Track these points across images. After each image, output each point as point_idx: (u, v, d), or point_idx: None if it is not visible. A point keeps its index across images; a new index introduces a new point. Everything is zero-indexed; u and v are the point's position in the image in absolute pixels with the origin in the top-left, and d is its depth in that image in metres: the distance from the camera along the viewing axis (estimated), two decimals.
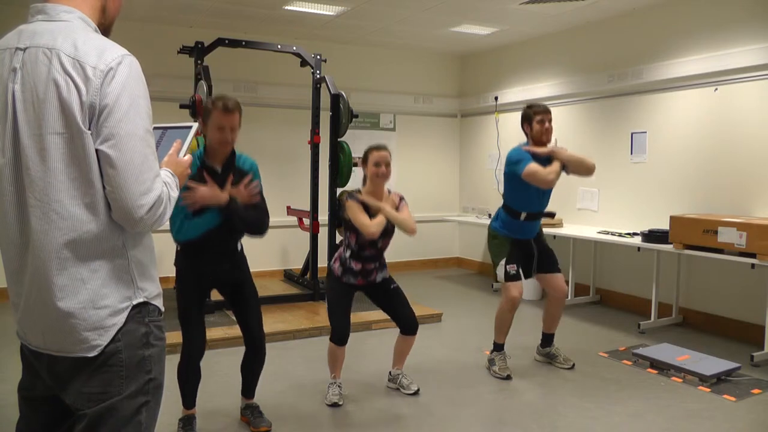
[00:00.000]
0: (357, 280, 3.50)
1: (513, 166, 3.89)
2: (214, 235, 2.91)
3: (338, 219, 3.58)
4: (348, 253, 3.50)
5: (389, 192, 3.55)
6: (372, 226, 3.33)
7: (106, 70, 1.38)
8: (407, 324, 3.59)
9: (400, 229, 3.45)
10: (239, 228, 2.96)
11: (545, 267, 4.11)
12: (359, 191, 3.51)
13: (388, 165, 3.44)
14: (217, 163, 2.93)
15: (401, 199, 3.56)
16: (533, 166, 3.80)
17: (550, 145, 3.99)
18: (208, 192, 2.80)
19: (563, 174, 3.94)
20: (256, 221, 2.96)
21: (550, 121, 4.01)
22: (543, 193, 4.00)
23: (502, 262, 3.98)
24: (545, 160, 3.90)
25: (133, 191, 1.39)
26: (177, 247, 3.07)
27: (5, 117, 1.41)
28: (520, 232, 4.03)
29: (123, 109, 1.39)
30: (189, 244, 2.96)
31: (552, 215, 4.23)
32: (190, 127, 1.72)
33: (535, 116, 4.00)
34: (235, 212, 2.85)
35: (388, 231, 3.46)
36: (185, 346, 3.02)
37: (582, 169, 3.97)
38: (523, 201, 3.98)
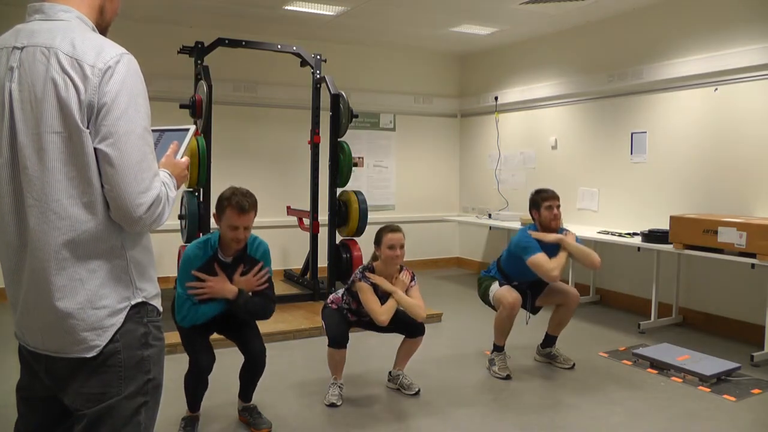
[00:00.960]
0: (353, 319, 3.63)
1: (520, 251, 3.89)
2: (218, 316, 2.99)
3: (347, 291, 3.62)
4: (346, 307, 3.58)
5: (401, 269, 3.56)
6: (382, 314, 3.36)
7: (105, 68, 1.38)
8: (413, 328, 3.60)
9: (409, 314, 3.48)
10: (242, 317, 3.02)
11: (539, 287, 4.10)
12: (372, 269, 3.52)
13: (402, 247, 3.46)
14: (228, 255, 2.96)
15: (412, 278, 3.56)
16: (539, 259, 3.79)
17: (560, 236, 3.94)
18: (217, 285, 2.85)
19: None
20: (261, 311, 3.01)
21: (558, 207, 3.97)
22: None
23: (495, 283, 4.01)
24: (552, 247, 3.89)
25: (131, 190, 1.39)
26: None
27: (2, 116, 1.40)
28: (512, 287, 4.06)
29: (121, 108, 1.38)
30: None
31: (544, 285, 4.16)
32: (188, 130, 1.72)
33: (543, 202, 3.95)
34: (241, 306, 2.91)
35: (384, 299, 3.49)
36: (193, 365, 3.01)
37: (587, 262, 3.94)
38: (520, 272, 4.00)
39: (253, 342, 3.09)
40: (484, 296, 4.10)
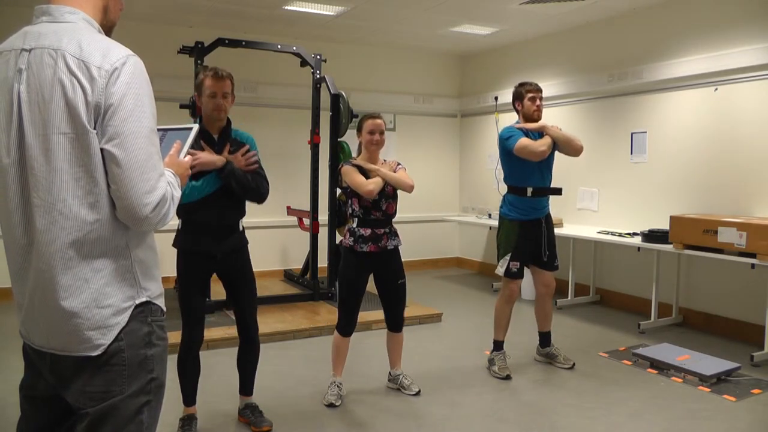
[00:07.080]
0: (369, 246, 3.46)
1: (504, 142, 3.96)
2: (213, 206, 2.95)
3: (339, 188, 3.61)
4: (356, 223, 3.51)
5: (385, 161, 3.59)
6: (368, 184, 3.37)
7: (111, 70, 1.39)
8: (392, 321, 3.68)
9: (398, 188, 3.49)
10: (237, 192, 2.97)
11: (545, 262, 4.12)
12: (354, 159, 3.56)
13: (382, 133, 3.49)
14: (213, 132, 3.01)
15: (398, 164, 3.59)
16: (524, 140, 3.89)
17: (542, 122, 4.04)
18: (204, 156, 2.87)
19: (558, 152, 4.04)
20: (254, 186, 3.00)
21: (541, 98, 4.07)
22: (542, 167, 4.01)
23: (507, 257, 3.99)
24: (537, 136, 3.98)
25: (137, 190, 1.40)
26: (177, 226, 3.08)
27: (11, 118, 1.41)
28: (530, 212, 4.00)
29: (128, 109, 1.39)
30: (190, 220, 2.99)
31: (559, 191, 4.21)
32: (191, 129, 1.73)
33: (526, 94, 4.05)
34: (231, 175, 2.90)
35: (389, 195, 3.48)
36: (185, 333, 3.04)
37: (570, 149, 4.03)
38: (525, 176, 4.00)
39: (247, 311, 3.14)
40: (498, 245, 4.11)
